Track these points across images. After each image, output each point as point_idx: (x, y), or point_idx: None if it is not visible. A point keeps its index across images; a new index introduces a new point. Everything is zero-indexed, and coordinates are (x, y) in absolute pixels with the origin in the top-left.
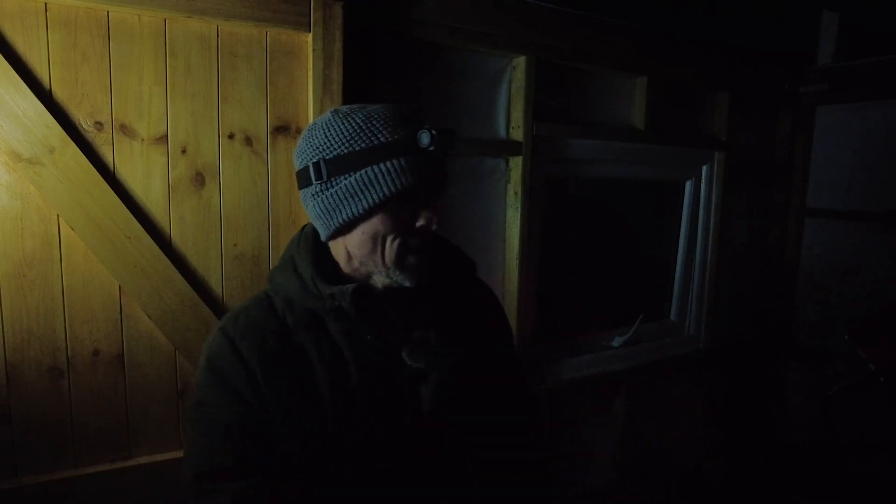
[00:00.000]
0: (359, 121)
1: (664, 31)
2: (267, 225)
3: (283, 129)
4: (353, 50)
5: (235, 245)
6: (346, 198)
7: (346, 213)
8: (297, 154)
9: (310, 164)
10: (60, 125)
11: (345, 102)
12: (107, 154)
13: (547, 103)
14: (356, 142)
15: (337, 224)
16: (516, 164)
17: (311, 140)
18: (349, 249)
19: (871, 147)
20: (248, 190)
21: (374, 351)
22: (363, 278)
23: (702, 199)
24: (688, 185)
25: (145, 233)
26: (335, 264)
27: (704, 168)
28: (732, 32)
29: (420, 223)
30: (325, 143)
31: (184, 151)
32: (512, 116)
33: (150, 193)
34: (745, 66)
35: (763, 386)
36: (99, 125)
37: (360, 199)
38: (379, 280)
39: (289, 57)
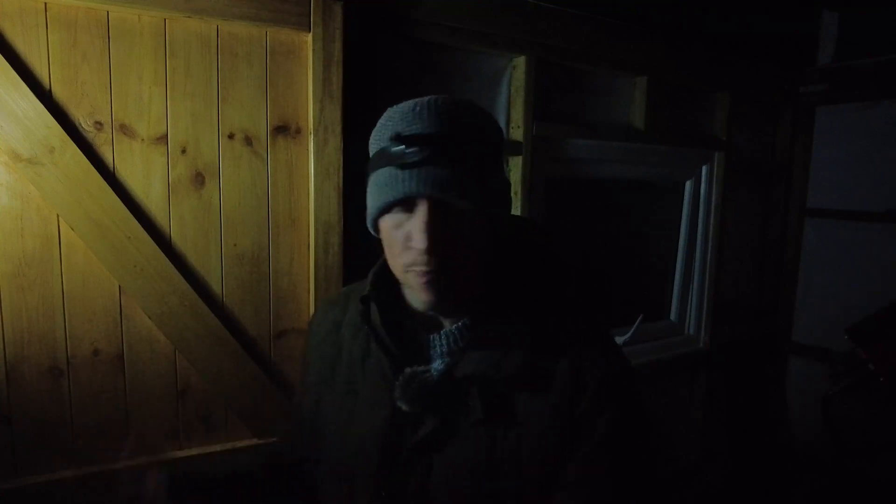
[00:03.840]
0: (387, 117)
1: (664, 31)
2: (267, 225)
3: (282, 129)
4: (353, 50)
5: (235, 245)
6: (367, 200)
7: (368, 216)
8: None
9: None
10: (60, 125)
11: (344, 102)
12: (107, 154)
13: (547, 103)
14: (376, 142)
15: (370, 226)
16: (516, 164)
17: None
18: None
19: (870, 147)
20: (248, 190)
21: (391, 371)
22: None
23: (702, 199)
24: (688, 185)
25: (145, 233)
26: None
27: (704, 168)
28: (732, 32)
29: (410, 243)
30: (370, 142)
31: (184, 151)
32: (512, 116)
33: (150, 193)
34: (745, 66)
35: (763, 386)
36: (99, 125)
37: (369, 204)
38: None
39: (289, 57)
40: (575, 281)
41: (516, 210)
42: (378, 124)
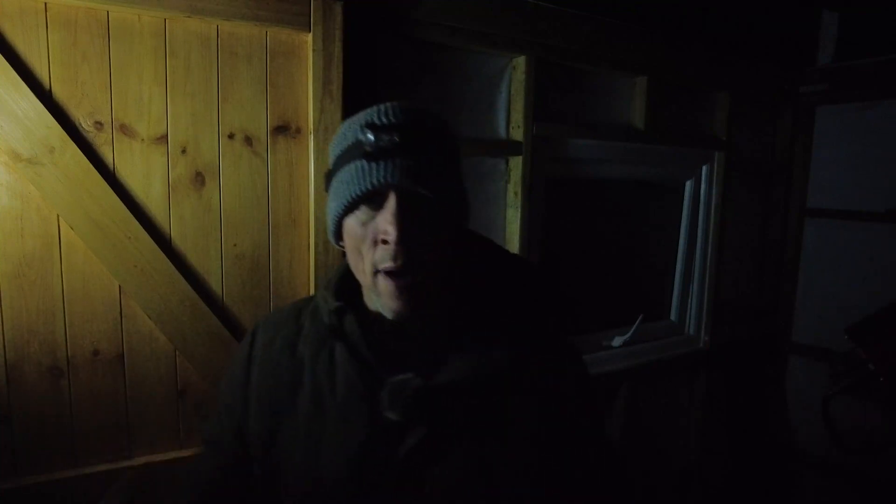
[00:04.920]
0: (349, 123)
1: (664, 31)
2: (267, 225)
3: (282, 129)
4: (353, 50)
5: (235, 245)
6: (329, 206)
7: (329, 222)
8: None
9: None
10: (60, 125)
11: (345, 102)
12: (107, 154)
13: (547, 103)
14: (339, 145)
15: (331, 234)
16: (516, 164)
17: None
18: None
19: (871, 147)
20: (248, 190)
21: (367, 384)
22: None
23: (702, 199)
24: (688, 185)
25: (145, 233)
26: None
27: (704, 168)
28: (732, 32)
29: (380, 236)
30: (330, 151)
31: (184, 151)
32: (512, 116)
33: (150, 193)
34: (745, 66)
35: (763, 386)
36: (99, 125)
37: (332, 207)
38: (374, 304)
39: (289, 57)
40: (546, 285)
41: (517, 209)
42: (339, 132)
